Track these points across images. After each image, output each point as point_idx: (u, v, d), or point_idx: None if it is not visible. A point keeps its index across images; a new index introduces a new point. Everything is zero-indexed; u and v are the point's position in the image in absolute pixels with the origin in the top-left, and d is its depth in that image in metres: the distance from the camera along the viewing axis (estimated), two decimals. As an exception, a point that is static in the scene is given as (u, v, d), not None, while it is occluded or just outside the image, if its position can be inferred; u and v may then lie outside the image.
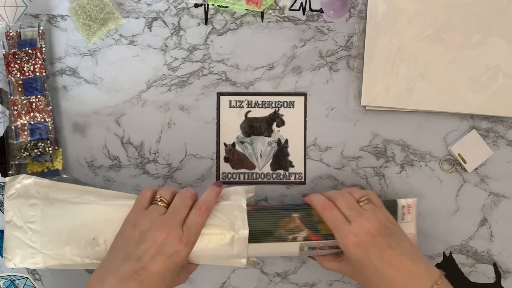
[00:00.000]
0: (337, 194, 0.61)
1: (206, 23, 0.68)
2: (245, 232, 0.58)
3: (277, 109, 0.69)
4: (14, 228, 0.59)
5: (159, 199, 0.57)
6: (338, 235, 0.58)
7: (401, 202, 0.64)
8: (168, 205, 0.57)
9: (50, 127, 0.65)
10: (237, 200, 0.60)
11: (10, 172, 0.65)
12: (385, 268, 0.56)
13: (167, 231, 0.54)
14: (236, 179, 0.69)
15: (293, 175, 0.69)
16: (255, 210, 0.61)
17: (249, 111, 0.69)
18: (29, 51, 0.64)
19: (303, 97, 0.69)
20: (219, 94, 0.69)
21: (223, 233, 0.58)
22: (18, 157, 0.64)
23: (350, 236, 0.57)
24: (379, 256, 0.56)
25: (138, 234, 0.54)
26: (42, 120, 0.65)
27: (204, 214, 0.57)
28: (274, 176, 0.69)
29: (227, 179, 0.69)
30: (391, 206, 0.63)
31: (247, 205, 0.61)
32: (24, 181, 0.60)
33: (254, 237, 0.60)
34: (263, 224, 0.60)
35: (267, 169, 0.69)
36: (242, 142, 0.69)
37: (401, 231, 0.60)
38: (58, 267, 0.59)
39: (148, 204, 0.58)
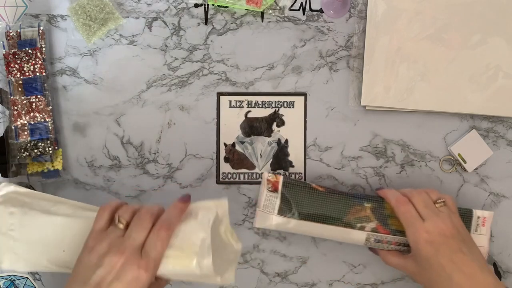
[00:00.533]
0: (414, 191, 0.61)
1: (206, 23, 0.68)
2: (209, 261, 0.51)
3: (277, 109, 0.69)
4: (0, 234, 0.58)
5: (117, 220, 0.53)
6: (410, 230, 0.58)
7: (477, 213, 0.64)
8: (128, 225, 0.53)
9: (50, 127, 0.65)
10: (204, 218, 0.54)
11: (10, 172, 0.65)
12: (454, 271, 0.55)
13: (125, 256, 0.50)
14: (236, 179, 0.69)
15: (293, 175, 0.69)
16: (328, 193, 0.63)
17: (249, 111, 0.69)
18: (29, 51, 0.64)
19: (303, 97, 0.69)
20: (219, 94, 0.69)
21: (187, 257, 0.52)
22: (18, 157, 0.64)
23: (422, 232, 0.57)
24: (450, 258, 0.56)
25: (96, 258, 0.50)
26: (42, 120, 0.65)
27: (164, 237, 0.51)
28: (274, 176, 0.69)
29: (227, 179, 0.69)
30: (466, 215, 0.63)
31: (321, 186, 0.63)
32: (5, 189, 0.58)
33: (324, 219, 0.62)
34: (334, 208, 0.62)
35: (267, 169, 0.69)
36: (242, 142, 0.69)
37: (472, 240, 0.59)
38: (44, 271, 0.58)
39: (107, 225, 0.53)
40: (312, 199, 0.63)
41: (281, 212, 0.63)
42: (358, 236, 0.62)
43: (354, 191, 0.68)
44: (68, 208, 0.58)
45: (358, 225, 0.62)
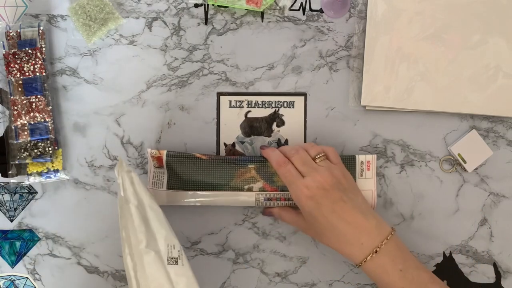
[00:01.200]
0: (292, 151, 0.62)
1: (206, 23, 0.68)
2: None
3: (277, 109, 0.69)
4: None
5: None
6: (292, 189, 0.60)
7: (360, 158, 0.65)
8: None
9: (50, 127, 0.65)
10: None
11: (10, 172, 0.65)
12: (336, 221, 0.58)
13: None
14: (236, 179, 0.69)
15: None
16: (211, 160, 0.64)
17: (249, 111, 0.69)
18: (29, 51, 0.64)
19: (303, 97, 0.69)
20: (219, 94, 0.69)
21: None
22: (18, 157, 0.64)
23: (302, 188, 0.59)
24: (331, 208, 0.58)
25: None
26: (42, 120, 0.65)
27: None
28: (274, 176, 0.69)
29: (227, 179, 0.69)
30: (350, 162, 0.65)
31: (205, 154, 0.64)
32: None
33: (212, 186, 0.63)
34: (220, 174, 0.64)
35: (267, 169, 0.69)
36: (242, 142, 0.69)
37: (355, 187, 0.62)
38: None
39: None
40: (198, 168, 0.64)
41: (170, 186, 0.64)
42: (247, 197, 0.64)
43: (238, 156, 0.68)
44: None
45: (246, 186, 0.64)
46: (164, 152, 0.64)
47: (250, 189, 0.64)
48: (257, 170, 0.64)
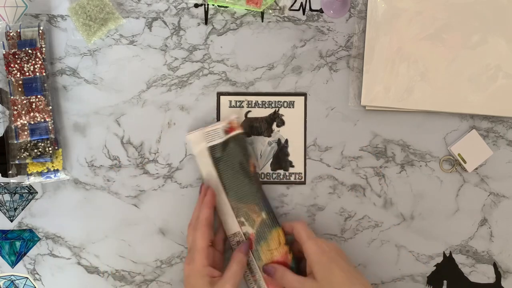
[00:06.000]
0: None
1: (206, 23, 0.68)
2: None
3: (277, 109, 0.69)
4: None
5: None
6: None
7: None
8: None
9: (50, 127, 0.65)
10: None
11: (10, 172, 0.65)
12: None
13: None
14: (236, 179, 0.69)
15: (293, 175, 0.69)
16: (250, 175, 0.65)
17: (249, 111, 0.69)
18: (29, 51, 0.64)
19: (303, 97, 0.69)
20: (219, 94, 0.69)
21: None
22: (18, 157, 0.64)
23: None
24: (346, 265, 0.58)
25: None
26: (42, 120, 0.65)
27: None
28: (274, 176, 0.69)
29: (227, 179, 0.69)
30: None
31: (255, 167, 0.66)
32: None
33: (228, 189, 0.64)
34: (243, 190, 0.64)
35: (267, 169, 0.69)
36: (242, 142, 0.69)
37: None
38: None
39: None
40: (239, 168, 0.64)
41: (212, 150, 0.65)
42: (232, 224, 0.64)
43: (267, 202, 0.66)
44: None
45: (242, 218, 0.64)
46: (240, 130, 0.65)
47: (240, 223, 0.64)
48: (262, 222, 0.64)
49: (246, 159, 0.65)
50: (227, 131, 0.65)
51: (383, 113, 0.69)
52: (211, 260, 0.60)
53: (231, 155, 0.64)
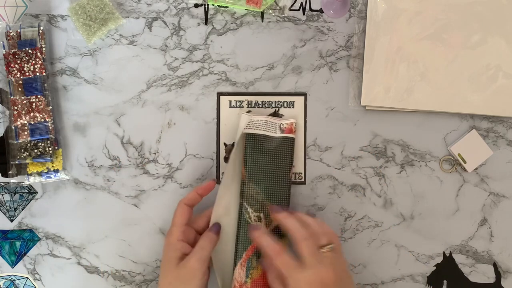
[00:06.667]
0: (301, 235, 0.58)
1: (206, 23, 0.68)
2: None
3: (277, 109, 0.69)
4: None
5: None
6: (290, 281, 0.56)
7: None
8: None
9: (50, 127, 0.65)
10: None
11: (10, 172, 0.65)
12: None
13: None
14: (236, 179, 0.69)
15: (293, 175, 0.69)
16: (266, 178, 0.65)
17: (249, 111, 0.69)
18: (29, 51, 0.64)
19: (303, 97, 0.69)
20: (219, 94, 0.69)
21: None
22: (18, 157, 0.64)
23: (303, 285, 0.55)
24: None
25: None
26: (42, 120, 0.65)
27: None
28: (274, 176, 0.69)
29: (227, 179, 0.69)
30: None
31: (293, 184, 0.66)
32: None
33: (243, 188, 0.64)
34: (272, 187, 0.64)
35: (267, 169, 0.69)
36: (242, 142, 0.69)
37: (352, 283, 0.59)
38: None
39: None
40: (282, 167, 0.65)
41: (248, 138, 0.64)
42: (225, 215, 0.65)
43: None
44: None
45: (257, 213, 0.64)
46: (295, 134, 0.67)
47: (249, 217, 0.63)
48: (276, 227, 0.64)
49: (291, 163, 0.66)
50: (283, 130, 0.66)
51: (383, 113, 0.69)
52: (186, 237, 0.61)
53: (277, 153, 0.65)
